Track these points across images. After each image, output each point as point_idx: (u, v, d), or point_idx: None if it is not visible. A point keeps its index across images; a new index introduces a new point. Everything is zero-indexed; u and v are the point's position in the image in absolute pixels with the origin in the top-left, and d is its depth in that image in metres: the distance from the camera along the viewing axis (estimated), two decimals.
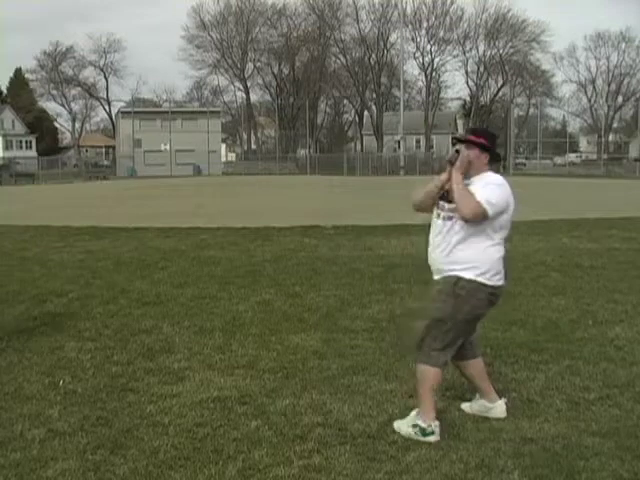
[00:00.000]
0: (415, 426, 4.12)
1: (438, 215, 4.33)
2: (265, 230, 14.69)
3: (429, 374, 4.17)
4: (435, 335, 4.15)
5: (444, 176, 4.30)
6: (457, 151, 4.27)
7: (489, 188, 4.16)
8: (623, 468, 3.71)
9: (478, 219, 4.12)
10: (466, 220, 4.13)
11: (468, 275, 4.16)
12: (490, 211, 4.11)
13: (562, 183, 39.55)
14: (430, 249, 4.36)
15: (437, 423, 4.12)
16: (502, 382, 4.95)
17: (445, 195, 4.29)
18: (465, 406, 4.53)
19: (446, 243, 4.23)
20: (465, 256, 4.17)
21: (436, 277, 4.31)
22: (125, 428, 4.32)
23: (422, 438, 4.07)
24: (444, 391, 4.74)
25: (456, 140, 4.40)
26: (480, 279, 4.17)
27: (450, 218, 4.22)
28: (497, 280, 4.25)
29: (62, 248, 12.35)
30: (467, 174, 4.23)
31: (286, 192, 32.19)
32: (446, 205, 4.26)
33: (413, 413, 4.20)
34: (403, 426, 4.18)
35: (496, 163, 4.45)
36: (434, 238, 4.33)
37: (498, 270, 4.26)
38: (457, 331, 4.18)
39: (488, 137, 4.33)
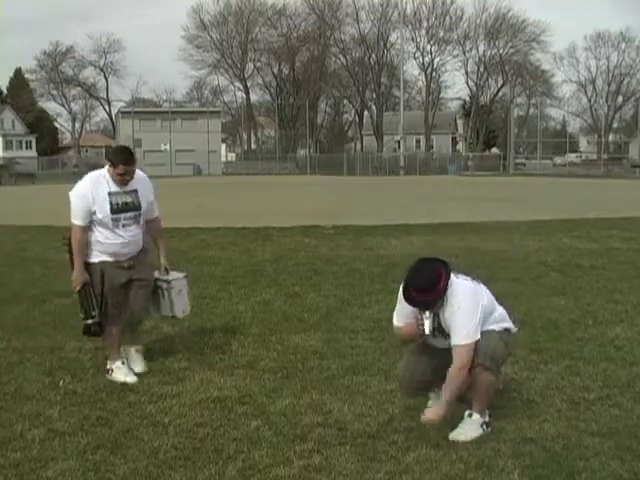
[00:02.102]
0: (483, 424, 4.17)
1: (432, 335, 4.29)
2: (265, 230, 14.69)
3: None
4: None
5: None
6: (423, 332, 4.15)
7: (460, 316, 4.07)
8: (623, 468, 3.71)
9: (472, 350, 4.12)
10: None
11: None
12: (477, 335, 4.10)
13: (562, 183, 39.56)
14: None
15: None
16: (502, 382, 4.94)
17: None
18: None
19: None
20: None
21: None
22: (125, 428, 4.32)
23: (487, 430, 4.16)
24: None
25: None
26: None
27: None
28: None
29: (62, 248, 12.33)
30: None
31: (286, 192, 32.19)
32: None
33: (475, 417, 4.17)
34: (468, 432, 4.11)
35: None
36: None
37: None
38: None
39: (437, 282, 4.08)
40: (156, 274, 5.46)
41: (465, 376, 4.09)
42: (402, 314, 4.32)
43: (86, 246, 5.20)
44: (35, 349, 6.03)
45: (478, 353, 4.10)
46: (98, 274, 5.25)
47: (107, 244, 5.21)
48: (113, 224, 5.17)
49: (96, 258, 5.24)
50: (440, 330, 4.21)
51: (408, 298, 4.12)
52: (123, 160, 5.15)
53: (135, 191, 5.26)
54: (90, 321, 5.18)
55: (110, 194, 5.14)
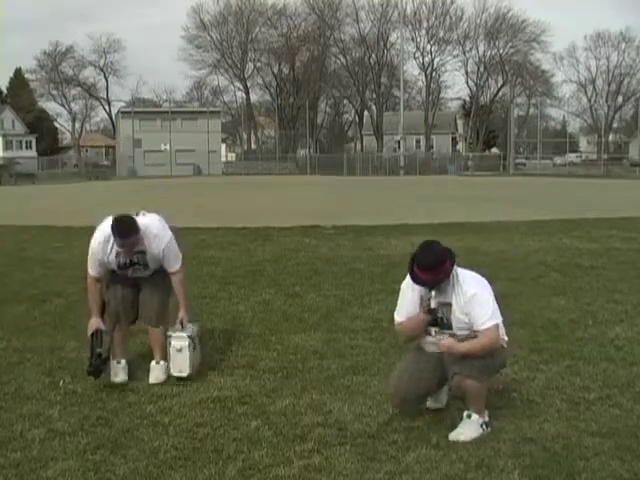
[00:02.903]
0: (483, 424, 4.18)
1: (429, 333, 4.34)
2: (265, 230, 14.69)
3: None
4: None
5: (424, 317, 4.25)
6: (432, 309, 4.18)
7: (479, 301, 4.14)
8: (623, 468, 3.71)
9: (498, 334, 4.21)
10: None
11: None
12: (500, 316, 4.20)
13: (562, 183, 39.55)
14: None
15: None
16: (502, 382, 4.94)
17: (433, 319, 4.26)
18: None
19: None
20: None
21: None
22: (125, 428, 4.32)
23: (487, 429, 4.16)
24: None
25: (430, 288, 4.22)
26: None
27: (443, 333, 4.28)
28: None
29: (62, 248, 12.34)
30: (440, 289, 4.18)
31: (286, 192, 32.19)
32: (433, 333, 4.27)
33: (474, 417, 4.18)
34: (467, 432, 4.12)
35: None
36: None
37: None
38: None
39: (444, 260, 4.16)
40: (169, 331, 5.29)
41: (487, 350, 4.11)
42: (404, 309, 4.34)
43: (100, 296, 5.24)
44: (35, 349, 6.03)
45: (457, 362, 4.12)
46: (108, 276, 5.31)
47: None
48: (121, 273, 5.26)
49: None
50: (448, 325, 4.22)
51: (415, 277, 4.17)
52: (118, 234, 4.96)
53: (143, 252, 5.15)
54: (96, 361, 5.03)
55: (118, 254, 5.12)
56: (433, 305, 4.15)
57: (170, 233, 5.26)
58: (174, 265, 5.27)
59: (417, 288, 4.28)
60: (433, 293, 4.16)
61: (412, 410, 4.43)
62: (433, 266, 4.11)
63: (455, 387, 4.21)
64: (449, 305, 4.19)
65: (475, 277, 4.27)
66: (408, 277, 4.32)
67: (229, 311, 7.41)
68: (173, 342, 5.13)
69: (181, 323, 5.27)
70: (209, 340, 6.22)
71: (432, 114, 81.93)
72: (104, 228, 5.13)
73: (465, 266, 4.44)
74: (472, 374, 4.09)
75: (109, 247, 5.10)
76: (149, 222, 5.17)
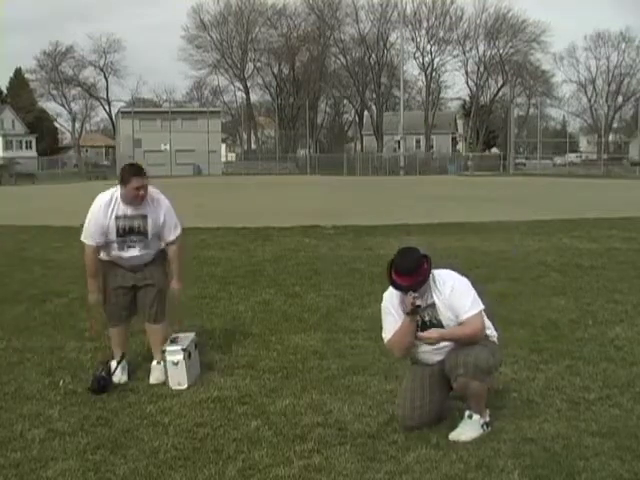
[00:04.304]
0: (484, 424, 4.19)
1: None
2: (265, 230, 14.70)
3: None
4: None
5: (411, 321, 4.22)
6: (418, 306, 4.15)
7: (458, 293, 4.20)
8: (623, 468, 3.71)
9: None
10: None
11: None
12: (481, 304, 4.26)
13: (562, 183, 39.55)
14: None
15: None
16: (502, 382, 4.94)
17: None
18: None
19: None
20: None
21: None
22: (125, 428, 4.32)
23: (488, 430, 4.17)
24: None
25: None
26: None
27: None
28: None
29: (62, 248, 12.34)
30: (421, 292, 4.18)
31: (286, 192, 32.20)
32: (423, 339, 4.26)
33: (476, 417, 4.17)
34: (468, 432, 4.12)
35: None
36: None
37: None
38: None
39: (422, 264, 4.18)
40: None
41: (472, 338, 4.15)
42: (390, 326, 4.31)
43: (98, 265, 5.21)
44: (35, 349, 6.03)
45: (460, 365, 4.11)
46: (107, 270, 5.28)
47: (114, 260, 5.25)
48: (119, 247, 5.18)
49: (107, 257, 5.28)
50: (439, 326, 4.21)
51: (395, 284, 4.19)
52: (135, 172, 5.09)
53: (144, 216, 5.16)
54: (100, 382, 5.01)
55: (117, 218, 5.11)
56: (418, 302, 4.12)
57: (168, 201, 5.35)
58: (174, 232, 5.29)
59: (397, 304, 4.27)
60: (415, 294, 4.13)
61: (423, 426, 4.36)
62: (412, 270, 4.13)
63: (460, 389, 4.19)
64: (433, 306, 4.21)
65: (449, 273, 4.33)
66: (386, 294, 4.36)
67: (229, 311, 7.41)
68: (168, 357, 5.08)
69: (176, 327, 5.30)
70: (209, 340, 6.22)
71: (432, 114, 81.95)
72: (104, 195, 5.18)
73: (464, 269, 4.46)
74: (477, 375, 4.09)
75: (110, 210, 5.10)
76: (150, 187, 5.22)
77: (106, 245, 5.19)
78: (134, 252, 5.21)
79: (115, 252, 5.21)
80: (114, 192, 5.16)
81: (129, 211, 5.12)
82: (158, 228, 5.22)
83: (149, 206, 5.17)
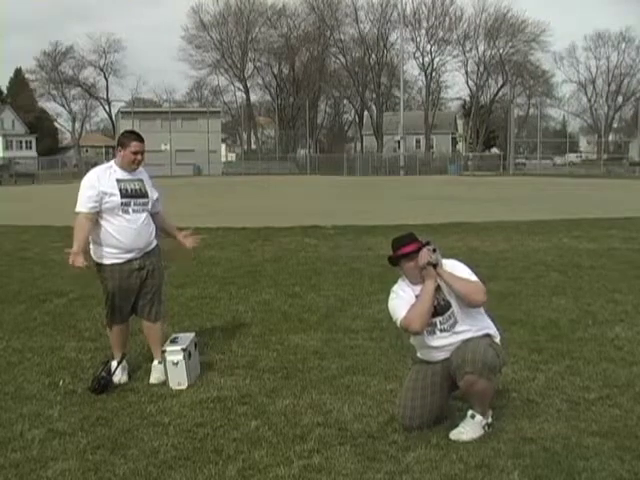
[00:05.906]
0: (485, 425, 4.19)
1: (433, 331, 4.32)
2: (265, 230, 14.70)
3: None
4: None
5: (431, 283, 4.27)
6: (434, 250, 4.26)
7: (460, 267, 4.39)
8: (623, 468, 3.71)
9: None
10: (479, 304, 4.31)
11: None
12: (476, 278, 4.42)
13: (562, 183, 39.56)
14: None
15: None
16: (502, 382, 4.94)
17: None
18: None
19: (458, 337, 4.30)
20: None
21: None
22: (125, 428, 4.32)
23: (488, 430, 4.18)
24: None
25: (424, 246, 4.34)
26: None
27: (447, 329, 4.29)
28: None
29: (62, 248, 12.30)
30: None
31: (286, 192, 32.20)
32: (438, 325, 4.30)
33: (478, 418, 4.17)
34: (469, 432, 4.12)
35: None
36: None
37: None
38: None
39: (416, 238, 4.40)
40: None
41: (472, 294, 4.23)
42: (404, 304, 4.29)
43: (89, 235, 5.14)
44: (35, 349, 6.04)
45: (468, 362, 4.10)
46: (108, 274, 5.23)
47: (119, 235, 5.11)
48: (123, 209, 5.10)
49: (108, 260, 5.19)
50: (447, 305, 4.26)
51: (402, 254, 4.32)
52: (134, 137, 5.23)
53: (141, 180, 5.29)
54: (101, 383, 5.01)
55: (118, 181, 5.14)
56: (434, 257, 4.22)
57: None
58: (160, 202, 5.51)
59: (406, 286, 4.37)
60: (430, 246, 4.29)
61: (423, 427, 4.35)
62: (413, 238, 4.36)
63: (467, 387, 4.17)
64: (439, 287, 4.27)
65: (449, 259, 4.47)
66: (394, 287, 4.45)
67: (229, 311, 7.41)
68: (168, 357, 5.08)
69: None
70: (209, 340, 6.22)
71: (432, 114, 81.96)
72: (99, 167, 5.32)
73: None
74: (484, 373, 4.08)
75: (108, 174, 5.16)
76: None
77: (110, 211, 5.08)
78: (141, 219, 5.18)
79: (120, 218, 5.10)
80: (109, 163, 5.29)
81: (127, 175, 5.20)
82: (152, 194, 5.36)
83: (142, 174, 5.34)
